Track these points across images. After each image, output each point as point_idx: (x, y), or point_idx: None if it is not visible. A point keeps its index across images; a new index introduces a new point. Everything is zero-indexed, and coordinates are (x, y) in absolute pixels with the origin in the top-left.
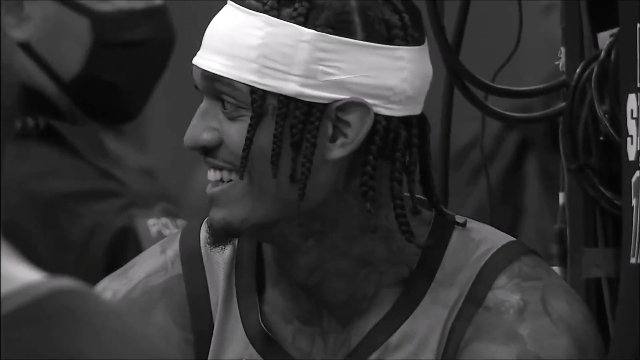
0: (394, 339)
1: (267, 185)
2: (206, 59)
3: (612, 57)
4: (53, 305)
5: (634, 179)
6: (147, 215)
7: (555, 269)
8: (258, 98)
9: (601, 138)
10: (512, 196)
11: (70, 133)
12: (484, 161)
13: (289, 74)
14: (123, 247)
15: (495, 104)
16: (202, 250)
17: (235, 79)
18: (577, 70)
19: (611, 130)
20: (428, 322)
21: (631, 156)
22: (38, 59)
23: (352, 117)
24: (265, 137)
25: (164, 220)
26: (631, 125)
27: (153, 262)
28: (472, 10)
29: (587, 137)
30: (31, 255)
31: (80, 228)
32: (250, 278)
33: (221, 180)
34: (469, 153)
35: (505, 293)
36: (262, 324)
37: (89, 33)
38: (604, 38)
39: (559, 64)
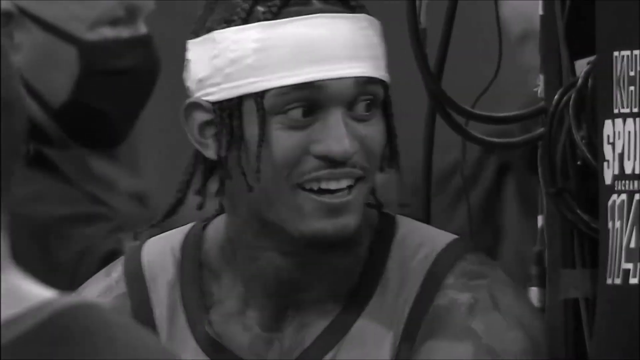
0: (346, 340)
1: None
2: (352, 67)
3: (589, 84)
4: (70, 321)
5: (610, 203)
6: (135, 239)
7: (535, 289)
8: (389, 94)
9: (578, 163)
10: (492, 219)
11: (59, 158)
12: (464, 185)
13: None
14: None
15: (476, 129)
16: (145, 269)
17: (383, 78)
18: (555, 97)
19: (588, 155)
20: (377, 325)
21: (608, 180)
22: (27, 86)
23: None
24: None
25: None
26: (607, 150)
27: (99, 286)
28: (453, 39)
29: (565, 162)
30: None
31: (70, 251)
32: (195, 291)
33: (347, 188)
34: (450, 177)
35: (455, 292)
36: (209, 331)
37: (77, 61)
38: (582, 65)
39: (537, 90)
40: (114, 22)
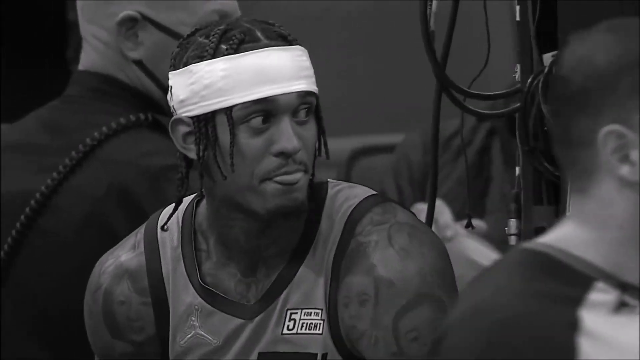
0: (295, 280)
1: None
2: (294, 85)
3: (553, 71)
4: None
5: None
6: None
7: (513, 221)
8: (319, 102)
9: (545, 128)
10: (483, 170)
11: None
12: (463, 146)
13: None
14: None
15: (471, 104)
16: (158, 232)
17: (315, 91)
18: (529, 81)
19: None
20: (316, 266)
21: None
22: (148, 72)
23: None
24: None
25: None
26: None
27: (130, 242)
28: (454, 39)
29: (535, 128)
30: (143, 211)
31: (176, 190)
32: (190, 250)
33: (297, 172)
34: (453, 140)
35: (362, 237)
36: (200, 280)
37: None
38: (547, 58)
39: (515, 76)
40: None
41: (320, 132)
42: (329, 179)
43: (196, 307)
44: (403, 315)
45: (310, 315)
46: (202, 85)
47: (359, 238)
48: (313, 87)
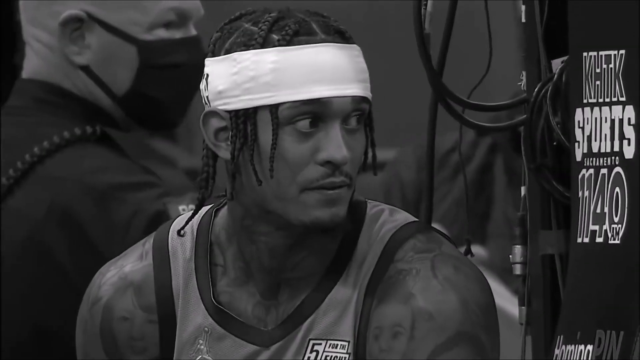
0: (322, 307)
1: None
2: (350, 88)
3: (563, 79)
4: None
5: (580, 176)
6: (178, 202)
7: (518, 247)
8: (371, 110)
9: (554, 143)
10: (485, 190)
11: (120, 138)
12: (462, 162)
13: None
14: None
15: (471, 116)
16: (169, 243)
17: (370, 98)
18: (536, 89)
19: (562, 137)
20: (347, 292)
21: (578, 158)
22: (96, 79)
23: None
24: None
25: (192, 206)
26: (578, 133)
27: (136, 252)
28: (452, 42)
29: (543, 143)
30: (86, 235)
31: (125, 212)
32: (205, 265)
33: (339, 187)
34: (450, 156)
35: (402, 264)
36: (213, 299)
37: (137, 58)
38: (557, 64)
39: (521, 84)
40: (168, 25)
41: (370, 144)
42: (367, 199)
43: (206, 328)
44: (440, 354)
45: (336, 347)
46: (247, 77)
47: (399, 265)
48: (368, 93)
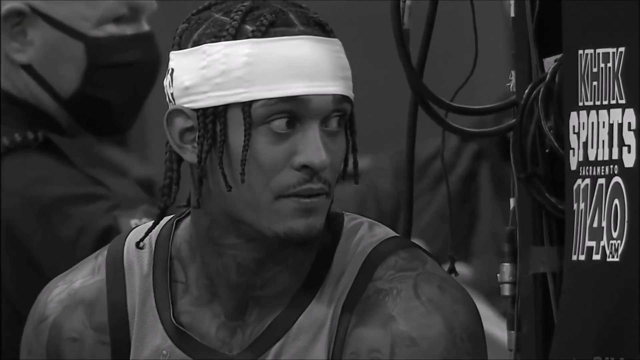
0: (293, 329)
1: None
2: (331, 85)
3: (557, 79)
4: None
5: (575, 187)
6: (130, 216)
7: (507, 265)
8: (353, 112)
9: (547, 150)
10: (469, 201)
11: (65, 145)
12: (444, 171)
13: None
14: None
15: (454, 120)
16: (125, 257)
17: (352, 97)
18: (526, 91)
19: (555, 144)
20: (322, 313)
21: (573, 166)
22: (39, 79)
23: None
24: None
25: (145, 220)
26: (573, 139)
27: (88, 267)
28: (433, 39)
29: (534, 150)
30: (28, 252)
31: (72, 227)
32: (165, 281)
33: (317, 195)
34: (431, 164)
35: (382, 283)
36: (173, 319)
37: (84, 56)
38: (550, 63)
39: (510, 85)
40: (118, 20)
41: (352, 149)
42: (344, 211)
43: (164, 352)
44: None
45: None
46: (217, 71)
47: (378, 284)
48: (350, 93)
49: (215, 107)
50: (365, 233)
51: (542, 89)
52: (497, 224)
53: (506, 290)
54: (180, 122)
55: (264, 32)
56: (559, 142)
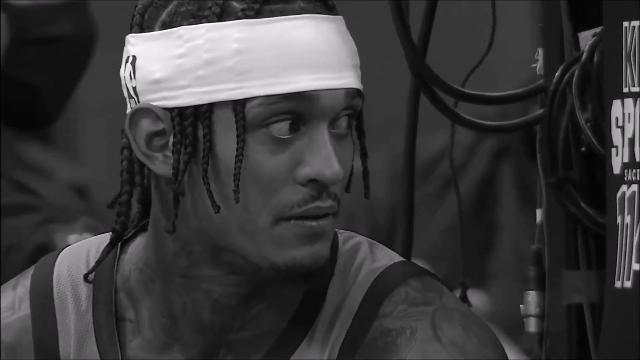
0: None
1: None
2: (344, 77)
3: (595, 59)
4: None
5: (619, 194)
6: (68, 231)
7: (532, 293)
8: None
9: (583, 149)
10: (485, 213)
11: None
12: (453, 173)
13: None
14: None
15: (466, 111)
16: (55, 287)
17: (361, 89)
18: (557, 74)
19: (594, 140)
20: (312, 358)
21: (616, 169)
22: None
23: None
24: None
25: (87, 235)
26: (616, 134)
27: (4, 300)
28: (440, 8)
29: (567, 148)
30: None
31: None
32: (109, 318)
33: (325, 215)
34: (437, 165)
35: (392, 321)
36: None
37: (6, 28)
38: (586, 38)
39: (536, 66)
40: None
41: (361, 154)
42: (336, 228)
43: None
44: None
45: None
46: (200, 61)
47: (386, 322)
48: (360, 84)
49: (197, 107)
50: (366, 257)
51: (576, 72)
52: (520, 242)
53: (532, 325)
54: (147, 124)
55: (258, 10)
56: (598, 138)
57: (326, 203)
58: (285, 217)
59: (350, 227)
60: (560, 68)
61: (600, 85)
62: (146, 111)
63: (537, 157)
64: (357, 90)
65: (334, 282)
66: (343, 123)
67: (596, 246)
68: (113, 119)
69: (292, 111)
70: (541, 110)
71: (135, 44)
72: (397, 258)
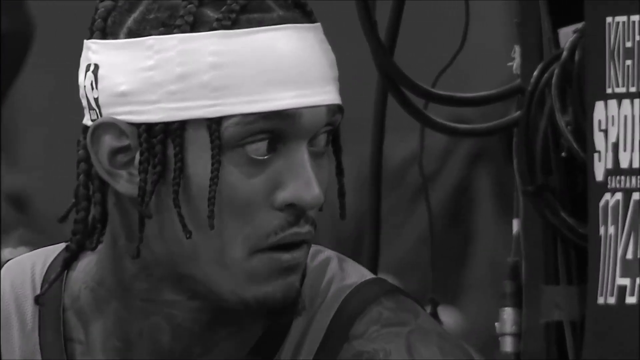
0: None
1: None
2: (325, 92)
3: (577, 57)
4: None
5: (602, 203)
6: (1, 244)
7: (508, 310)
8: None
9: (563, 154)
10: (459, 222)
11: None
12: (423, 181)
13: None
14: None
15: (437, 113)
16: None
17: (340, 104)
18: (535, 73)
19: (575, 145)
20: None
21: (599, 176)
22: None
23: None
24: None
25: (23, 250)
26: (599, 138)
27: None
28: (409, 3)
29: (546, 153)
30: None
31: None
32: (58, 339)
33: (300, 244)
34: (406, 171)
35: (364, 343)
36: None
37: None
38: (567, 35)
39: (512, 65)
40: None
41: (337, 171)
42: None
43: None
44: None
45: None
46: (172, 75)
47: (358, 344)
48: (339, 99)
49: (168, 123)
50: (336, 273)
51: (556, 71)
52: (496, 255)
53: (508, 344)
54: (110, 140)
55: (234, 20)
56: (580, 143)
57: (303, 229)
58: (261, 249)
59: (313, 237)
60: (539, 67)
61: (582, 86)
62: (110, 126)
63: (514, 163)
64: (338, 106)
65: (301, 302)
66: (322, 140)
67: (577, 259)
68: (55, 125)
69: (270, 130)
70: (518, 113)
71: (97, 51)
72: (369, 275)
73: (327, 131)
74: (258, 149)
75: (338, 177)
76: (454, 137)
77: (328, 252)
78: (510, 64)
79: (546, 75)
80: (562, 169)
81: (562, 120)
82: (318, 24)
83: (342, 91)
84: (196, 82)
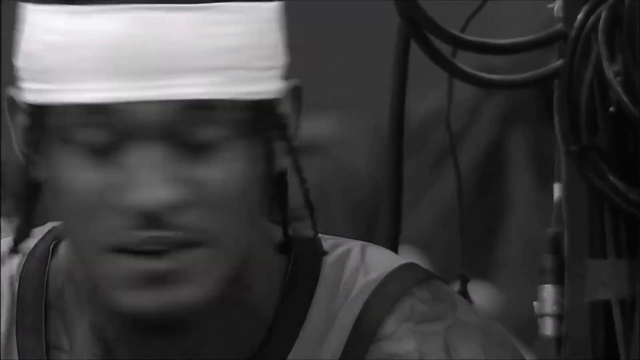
0: None
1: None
2: (175, 86)
3: None
4: None
5: None
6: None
7: (549, 288)
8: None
9: (611, 109)
10: (490, 189)
11: None
12: (451, 142)
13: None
14: None
15: (467, 62)
16: None
17: (235, 97)
18: (579, 16)
19: (625, 98)
20: None
21: None
22: None
23: None
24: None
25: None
26: None
27: None
28: None
29: (592, 108)
30: None
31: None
32: (39, 344)
33: (181, 247)
34: (431, 130)
35: (395, 344)
36: None
37: None
38: None
39: (553, 6)
40: None
41: (298, 176)
42: (320, 234)
43: None
44: None
45: None
46: (29, 51)
47: (388, 345)
48: (233, 90)
49: (37, 108)
50: (359, 267)
51: (604, 13)
52: (532, 225)
53: (548, 326)
54: (20, 119)
55: None
56: (630, 96)
57: (165, 233)
58: (108, 250)
59: (321, 208)
60: (584, 9)
61: (634, 30)
62: (15, 103)
63: (555, 119)
64: (209, 101)
65: (319, 297)
66: (208, 132)
67: (628, 230)
68: None
69: (105, 124)
70: (560, 62)
71: (30, 11)
72: (397, 262)
73: (212, 127)
74: (95, 144)
75: (301, 186)
76: (484, 92)
77: (349, 244)
78: (550, 5)
79: (592, 18)
80: (610, 126)
81: (610, 70)
82: (215, 5)
83: (357, 42)
84: (40, 65)
